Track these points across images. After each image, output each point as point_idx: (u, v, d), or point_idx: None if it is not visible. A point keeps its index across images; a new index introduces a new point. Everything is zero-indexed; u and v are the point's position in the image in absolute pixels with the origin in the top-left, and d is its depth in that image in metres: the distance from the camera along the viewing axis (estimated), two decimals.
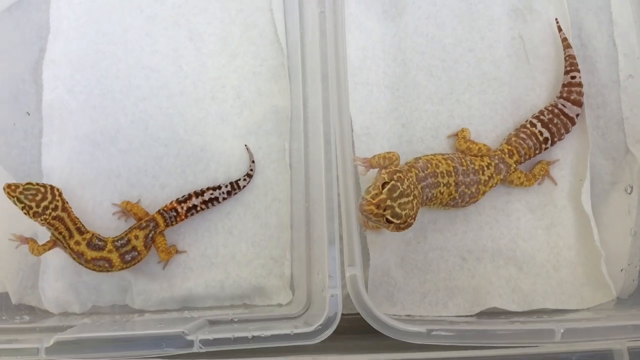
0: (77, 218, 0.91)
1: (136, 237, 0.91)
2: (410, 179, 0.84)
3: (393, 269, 0.94)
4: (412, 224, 0.81)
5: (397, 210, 0.78)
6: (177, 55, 1.02)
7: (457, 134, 1.00)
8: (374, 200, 0.75)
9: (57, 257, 0.95)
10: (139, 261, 0.91)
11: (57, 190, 0.89)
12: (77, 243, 0.89)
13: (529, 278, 0.96)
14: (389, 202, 0.77)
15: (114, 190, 0.98)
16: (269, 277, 0.96)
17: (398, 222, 0.78)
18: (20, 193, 0.86)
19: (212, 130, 1.00)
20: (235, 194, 0.96)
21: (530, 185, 0.98)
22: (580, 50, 1.06)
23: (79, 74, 1.01)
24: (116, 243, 0.90)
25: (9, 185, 0.86)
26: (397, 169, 0.84)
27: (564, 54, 1.02)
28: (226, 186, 0.95)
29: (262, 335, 0.69)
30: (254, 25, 1.04)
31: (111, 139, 0.99)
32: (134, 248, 0.90)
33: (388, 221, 0.78)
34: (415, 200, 0.82)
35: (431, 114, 1.02)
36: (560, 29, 1.03)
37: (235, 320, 0.84)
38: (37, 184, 0.88)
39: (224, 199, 0.95)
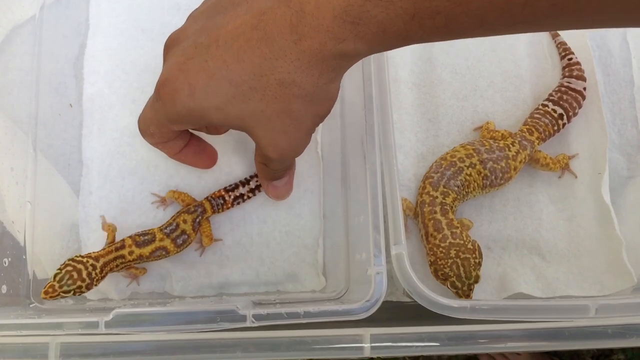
0: (110, 245, 0.91)
1: (184, 221, 0.94)
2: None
3: (422, 258, 0.98)
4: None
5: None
6: None
7: (482, 127, 1.04)
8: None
9: (96, 244, 0.97)
10: (189, 244, 0.95)
11: (80, 256, 0.87)
12: (130, 253, 0.90)
13: (552, 266, 1.00)
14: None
15: (152, 180, 1.01)
16: (302, 264, 0.99)
17: None
18: (60, 287, 0.83)
19: None
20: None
21: (556, 170, 1.03)
22: (595, 51, 1.12)
23: (118, 68, 1.05)
24: (165, 230, 0.93)
25: (46, 292, 0.82)
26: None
27: (555, 42, 1.10)
28: None
29: (312, 311, 0.72)
30: None
31: None
32: (183, 232, 0.93)
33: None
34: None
35: (456, 110, 1.07)
36: None
37: (278, 301, 0.87)
38: (62, 267, 0.85)
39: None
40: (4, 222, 0.81)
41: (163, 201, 0.99)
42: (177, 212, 0.95)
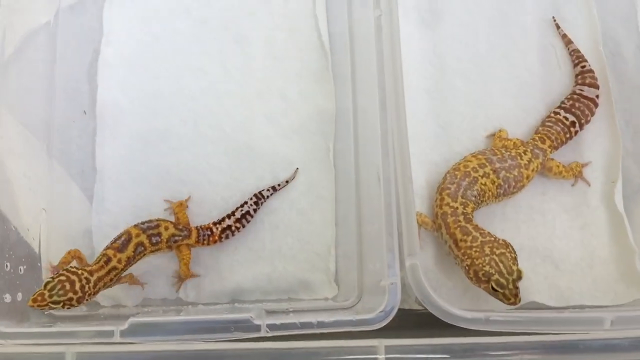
0: (98, 261, 0.88)
1: (166, 228, 0.93)
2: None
3: (434, 265, 0.98)
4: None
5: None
6: (224, 57, 1.07)
7: (494, 134, 1.04)
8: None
9: None
10: (159, 249, 0.93)
11: (75, 268, 0.85)
12: (119, 261, 0.88)
13: (565, 275, 1.00)
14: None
15: (165, 186, 1.01)
16: (314, 271, 0.99)
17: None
18: (50, 297, 0.79)
19: (258, 129, 1.04)
20: (262, 203, 0.99)
21: (569, 178, 1.02)
22: (609, 58, 1.11)
23: (131, 75, 1.05)
24: (142, 226, 0.92)
25: (34, 300, 0.78)
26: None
27: (568, 49, 1.09)
28: (251, 199, 0.98)
29: (326, 321, 0.72)
30: (298, 30, 1.08)
31: (162, 137, 1.03)
32: (159, 234, 0.91)
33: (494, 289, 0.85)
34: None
35: (468, 117, 1.07)
36: (558, 26, 1.09)
37: (291, 310, 0.87)
38: (55, 276, 0.82)
39: (254, 210, 0.98)
40: (19, 230, 0.82)
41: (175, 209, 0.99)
42: (164, 219, 0.95)
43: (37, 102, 0.96)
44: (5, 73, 0.83)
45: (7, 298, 0.74)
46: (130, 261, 0.89)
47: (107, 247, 0.90)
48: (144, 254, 0.91)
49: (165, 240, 0.92)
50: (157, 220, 0.94)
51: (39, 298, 0.78)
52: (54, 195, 0.95)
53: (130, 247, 0.89)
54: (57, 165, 0.97)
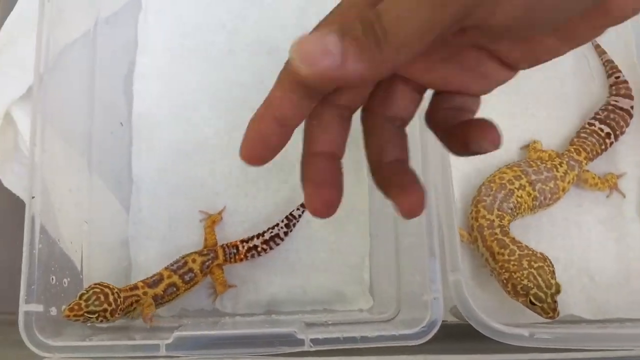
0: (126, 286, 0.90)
1: (193, 261, 0.93)
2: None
3: (471, 278, 0.98)
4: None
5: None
6: (257, 69, 1.07)
7: (528, 146, 1.04)
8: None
9: (145, 260, 0.98)
10: (196, 283, 0.93)
11: (105, 283, 0.85)
12: (145, 293, 0.89)
13: (601, 288, 0.99)
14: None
15: (199, 197, 1.01)
16: (349, 282, 0.99)
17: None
18: (86, 307, 0.79)
19: (291, 140, 1.04)
20: (295, 224, 0.98)
21: (604, 190, 1.02)
22: None
23: (166, 87, 1.06)
24: (172, 267, 0.93)
25: (70, 309, 0.78)
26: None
27: (601, 60, 1.09)
28: (282, 221, 0.98)
29: (369, 336, 0.72)
30: None
31: (196, 148, 1.03)
32: (190, 270, 0.92)
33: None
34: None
35: (502, 129, 1.05)
36: None
37: (330, 322, 0.88)
38: (88, 288, 0.82)
39: (285, 233, 0.97)
40: (63, 243, 0.83)
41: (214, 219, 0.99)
42: (189, 253, 0.95)
43: (77, 115, 0.97)
44: (46, 86, 0.83)
45: (53, 311, 0.75)
46: (157, 299, 0.89)
47: (139, 281, 0.91)
48: (177, 294, 0.91)
49: (199, 272, 0.92)
50: (182, 257, 0.94)
51: (76, 307, 0.79)
52: (93, 207, 0.96)
53: (161, 286, 0.90)
54: (96, 177, 0.98)
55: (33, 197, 0.74)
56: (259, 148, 0.43)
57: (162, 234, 1.00)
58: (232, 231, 1.00)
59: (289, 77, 0.38)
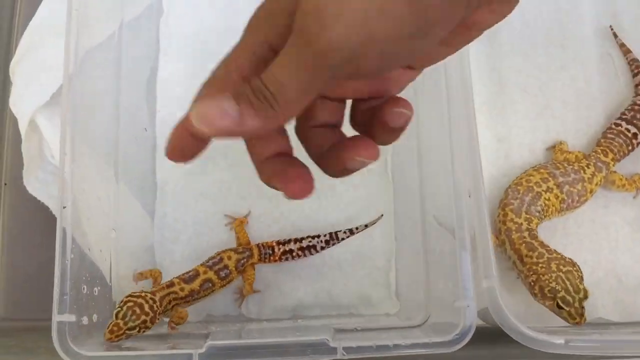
0: (161, 284, 0.90)
1: (229, 258, 0.93)
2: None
3: (499, 282, 0.97)
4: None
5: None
6: None
7: (554, 147, 1.03)
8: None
9: (171, 265, 0.98)
10: (231, 280, 0.94)
11: (136, 292, 0.84)
12: (182, 289, 0.89)
13: (628, 290, 0.99)
14: None
15: (225, 201, 1.01)
16: (375, 286, 0.99)
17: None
18: (125, 324, 0.79)
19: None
20: (334, 244, 0.98)
21: (631, 191, 1.01)
22: None
23: (188, 91, 1.03)
24: (208, 264, 0.93)
25: (111, 332, 0.77)
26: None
27: (626, 59, 1.08)
28: (325, 235, 0.97)
29: (402, 344, 0.71)
30: None
31: (221, 153, 1.03)
32: (226, 267, 0.92)
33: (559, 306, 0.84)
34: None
35: (527, 130, 1.06)
36: (615, 35, 1.07)
37: (359, 329, 0.87)
38: (121, 304, 0.82)
39: (322, 247, 0.97)
40: (93, 251, 0.83)
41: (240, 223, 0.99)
42: (224, 249, 0.95)
43: (103, 122, 0.97)
44: (73, 93, 0.83)
45: (85, 320, 0.75)
46: (193, 294, 0.90)
47: (177, 276, 0.91)
48: (213, 290, 0.92)
49: (234, 269, 0.92)
50: (217, 254, 0.94)
51: (115, 329, 0.78)
52: (120, 214, 0.96)
53: (197, 282, 0.90)
54: (122, 184, 0.98)
55: (64, 207, 0.73)
56: (177, 155, 0.47)
57: (188, 239, 1.00)
58: (259, 235, 0.99)
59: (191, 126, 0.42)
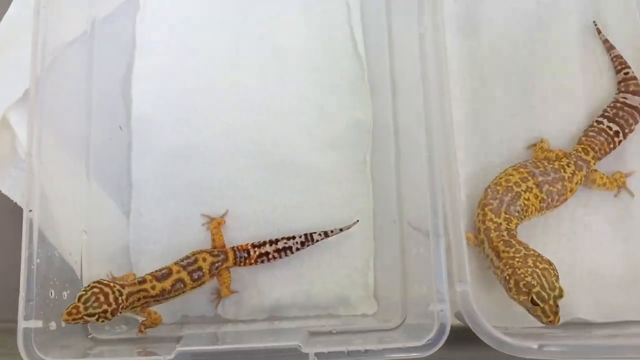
0: (133, 280, 0.89)
1: (204, 259, 0.92)
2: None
3: (475, 282, 0.96)
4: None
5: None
6: (261, 70, 1.05)
7: (535, 145, 1.02)
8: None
9: (146, 266, 0.97)
10: (203, 283, 0.92)
11: (107, 280, 0.84)
12: (153, 287, 0.88)
13: (609, 289, 0.98)
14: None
15: (201, 200, 1.00)
16: (353, 287, 0.98)
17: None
18: (85, 309, 0.78)
19: (294, 143, 1.02)
20: (309, 245, 0.96)
21: (612, 189, 1.00)
22: None
23: (165, 88, 1.04)
24: (182, 263, 0.91)
25: (69, 314, 0.77)
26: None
27: (609, 55, 1.06)
28: (300, 237, 0.96)
29: (375, 349, 0.71)
30: (334, 40, 1.06)
31: (197, 151, 1.01)
32: (199, 268, 0.91)
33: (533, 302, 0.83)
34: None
35: (508, 127, 1.04)
36: (599, 31, 1.06)
37: (334, 332, 0.86)
38: (88, 288, 0.80)
39: (297, 249, 0.96)
40: (62, 254, 0.81)
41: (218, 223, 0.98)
42: (200, 250, 0.94)
43: (74, 119, 0.95)
44: (42, 91, 0.81)
45: (53, 326, 0.74)
46: (164, 294, 0.88)
47: (147, 274, 0.89)
48: (184, 291, 0.90)
49: (207, 272, 0.91)
50: (192, 254, 0.93)
51: (74, 311, 0.77)
52: (93, 214, 0.94)
53: (169, 281, 0.89)
54: (94, 183, 0.97)
55: (30, 211, 0.72)
56: None
57: (164, 238, 0.98)
58: (237, 235, 0.98)
59: None
